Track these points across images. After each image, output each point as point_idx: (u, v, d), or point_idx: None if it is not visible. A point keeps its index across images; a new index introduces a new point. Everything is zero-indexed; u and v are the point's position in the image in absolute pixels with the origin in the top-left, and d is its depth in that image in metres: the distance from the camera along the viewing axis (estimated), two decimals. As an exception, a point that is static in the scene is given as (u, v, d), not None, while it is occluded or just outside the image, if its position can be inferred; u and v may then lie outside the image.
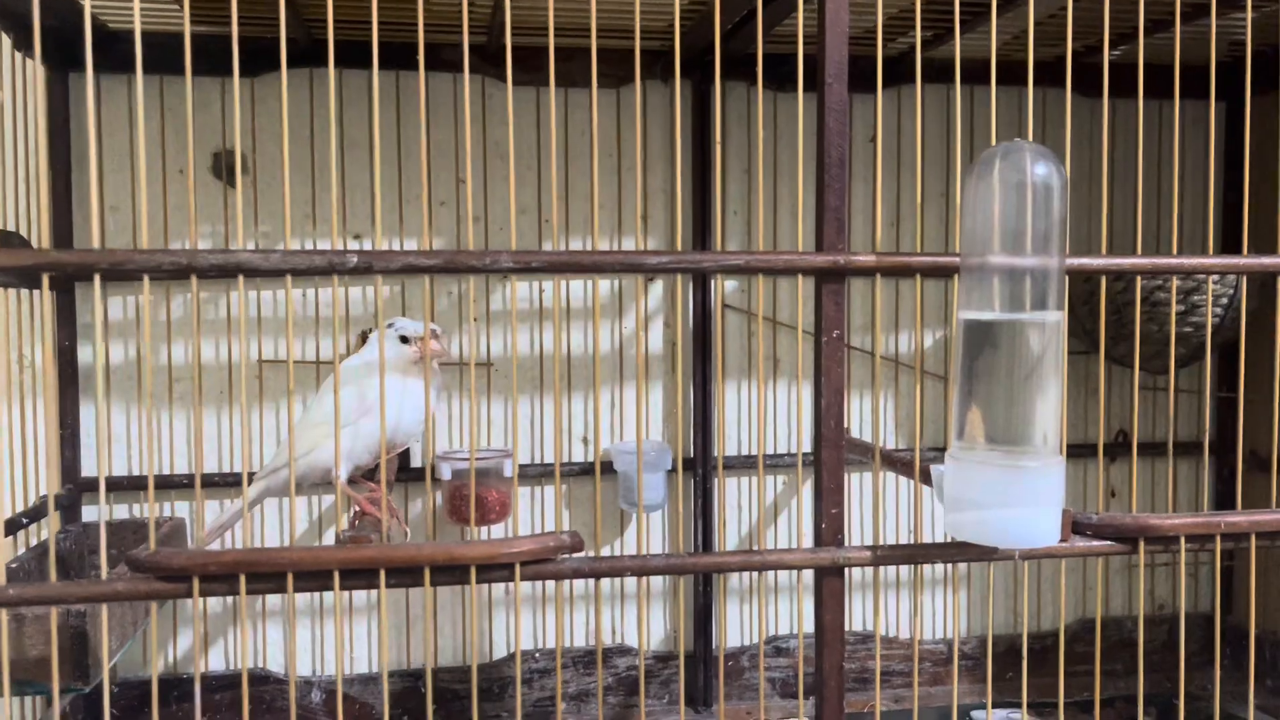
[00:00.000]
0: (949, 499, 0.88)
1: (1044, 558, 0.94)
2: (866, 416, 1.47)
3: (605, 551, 1.43)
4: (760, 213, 0.93)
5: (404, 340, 1.06)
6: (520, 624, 1.41)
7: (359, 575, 0.83)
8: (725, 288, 1.42)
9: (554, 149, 0.86)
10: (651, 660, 1.44)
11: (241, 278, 0.83)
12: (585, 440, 1.41)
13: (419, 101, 1.35)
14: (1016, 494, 0.84)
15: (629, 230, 1.40)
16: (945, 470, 0.88)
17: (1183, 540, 0.95)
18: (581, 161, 1.38)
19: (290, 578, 0.82)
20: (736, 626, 1.46)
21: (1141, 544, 0.95)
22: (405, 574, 0.84)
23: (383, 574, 0.83)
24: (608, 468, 1.41)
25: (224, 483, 1.30)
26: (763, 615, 1.29)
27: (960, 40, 1.32)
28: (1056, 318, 0.85)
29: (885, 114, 1.46)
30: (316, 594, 1.35)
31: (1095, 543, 0.95)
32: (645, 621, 1.40)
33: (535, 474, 1.39)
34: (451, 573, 0.85)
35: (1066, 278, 0.95)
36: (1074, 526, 0.95)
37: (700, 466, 1.40)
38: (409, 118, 1.34)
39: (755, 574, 1.45)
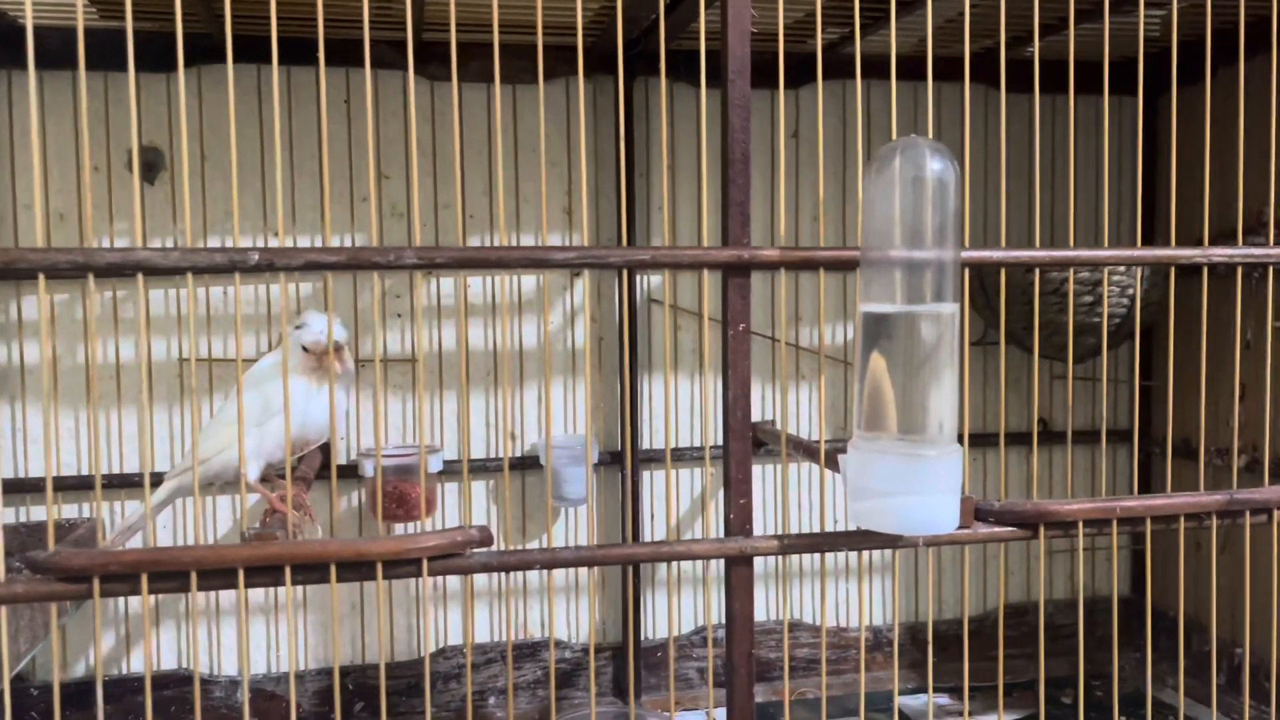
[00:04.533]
0: (852, 488, 0.89)
1: (947, 544, 0.96)
2: (792, 408, 1.49)
3: (534, 545, 1.43)
4: (666, 207, 0.94)
5: (304, 349, 1.04)
6: (431, 620, 1.41)
7: (264, 573, 0.83)
8: (651, 283, 1.44)
9: (457, 145, 0.86)
10: (581, 652, 1.44)
11: (141, 276, 0.83)
12: (513, 436, 1.42)
13: (340, 98, 1.35)
14: (915, 482, 0.86)
15: (556, 226, 1.40)
16: (848, 459, 0.89)
17: (1080, 525, 0.97)
18: (506, 158, 1.39)
19: (194, 576, 0.82)
20: (665, 618, 1.47)
21: (1042, 529, 0.97)
22: (311, 571, 0.84)
23: (288, 571, 0.83)
24: (537, 462, 1.42)
25: (139, 483, 1.29)
26: (672, 607, 1.30)
27: (885, 37, 1.34)
28: (952, 309, 0.87)
29: (815, 109, 1.47)
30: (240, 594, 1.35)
31: (997, 529, 0.97)
32: (553, 614, 1.41)
33: (461, 470, 1.39)
34: (358, 569, 0.85)
35: (967, 270, 0.97)
36: (976, 513, 0.97)
37: (628, 459, 1.41)
38: (330, 114, 1.34)
39: (679, 565, 1.47)
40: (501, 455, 1.42)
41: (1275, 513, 1.01)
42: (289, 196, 1.34)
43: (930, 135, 0.90)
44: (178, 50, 0.82)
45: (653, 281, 1.43)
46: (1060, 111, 1.52)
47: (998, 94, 1.50)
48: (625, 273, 1.39)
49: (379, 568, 0.85)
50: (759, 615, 1.50)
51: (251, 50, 1.27)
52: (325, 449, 1.34)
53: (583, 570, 1.45)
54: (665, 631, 1.48)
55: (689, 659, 1.48)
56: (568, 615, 1.45)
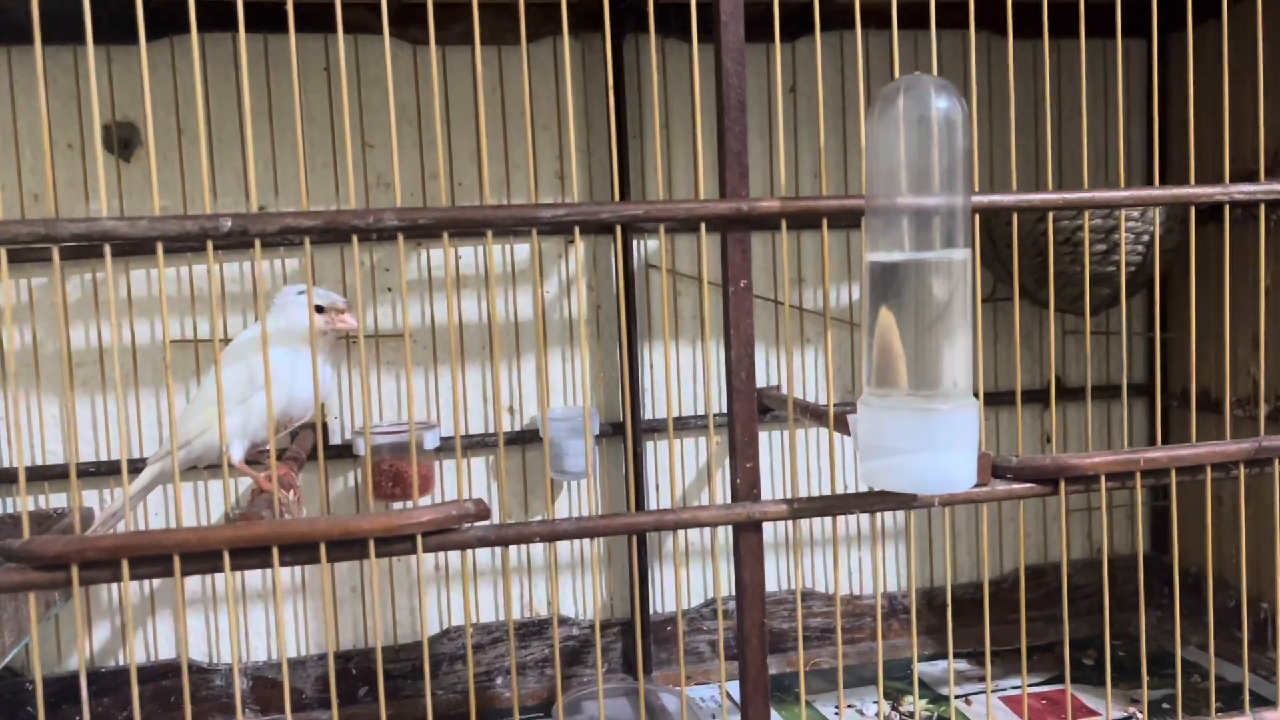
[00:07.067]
0: (862, 446, 0.85)
1: (964, 503, 0.92)
2: (798, 373, 1.45)
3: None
4: (659, 160, 0.90)
5: (319, 310, 1.01)
6: (432, 601, 1.38)
7: (251, 554, 0.80)
8: (648, 248, 1.39)
9: (437, 108, 0.82)
10: (590, 629, 1.41)
11: (108, 248, 0.79)
12: (511, 410, 1.38)
13: (319, 65, 1.30)
14: (929, 438, 0.82)
15: (549, 192, 1.36)
16: (858, 417, 0.85)
17: (1103, 479, 0.93)
18: (494, 123, 1.34)
19: (176, 560, 0.78)
20: (674, 591, 1.44)
21: (1062, 484, 0.93)
22: (300, 551, 0.80)
23: (275, 552, 0.80)
24: (537, 436, 1.38)
25: (130, 469, 1.25)
26: (678, 578, 1.27)
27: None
28: (964, 255, 0.83)
29: (812, 61, 1.42)
30: (238, 578, 1.32)
31: (1016, 485, 0.93)
32: (555, 590, 1.38)
33: (461, 446, 1.36)
34: (349, 547, 0.81)
35: (977, 218, 0.93)
36: (994, 470, 0.93)
37: (630, 431, 1.37)
38: (308, 82, 1.29)
39: (687, 537, 1.43)
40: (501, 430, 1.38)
41: (1306, 460, 0.97)
42: (270, 170, 1.29)
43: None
44: (138, 19, 0.78)
45: (650, 246, 1.39)
46: (1066, 56, 1.47)
47: (1000, 40, 1.45)
48: (621, 236, 1.35)
49: (371, 545, 0.81)
50: (770, 585, 1.46)
51: (228, 18, 1.23)
52: (321, 429, 1.30)
53: (589, 545, 1.41)
54: (673, 606, 1.44)
55: (700, 632, 1.44)
56: (574, 592, 1.42)
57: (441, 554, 1.37)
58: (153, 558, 0.78)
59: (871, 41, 1.43)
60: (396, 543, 0.82)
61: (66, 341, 1.25)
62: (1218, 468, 0.96)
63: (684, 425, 1.42)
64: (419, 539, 0.82)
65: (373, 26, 1.29)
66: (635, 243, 1.37)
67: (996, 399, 1.48)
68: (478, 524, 0.85)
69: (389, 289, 1.33)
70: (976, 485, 0.90)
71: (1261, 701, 1.31)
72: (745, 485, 0.90)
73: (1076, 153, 1.48)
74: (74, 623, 1.27)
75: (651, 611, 1.41)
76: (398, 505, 1.25)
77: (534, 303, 1.36)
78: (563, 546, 1.40)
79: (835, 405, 1.02)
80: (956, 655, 1.47)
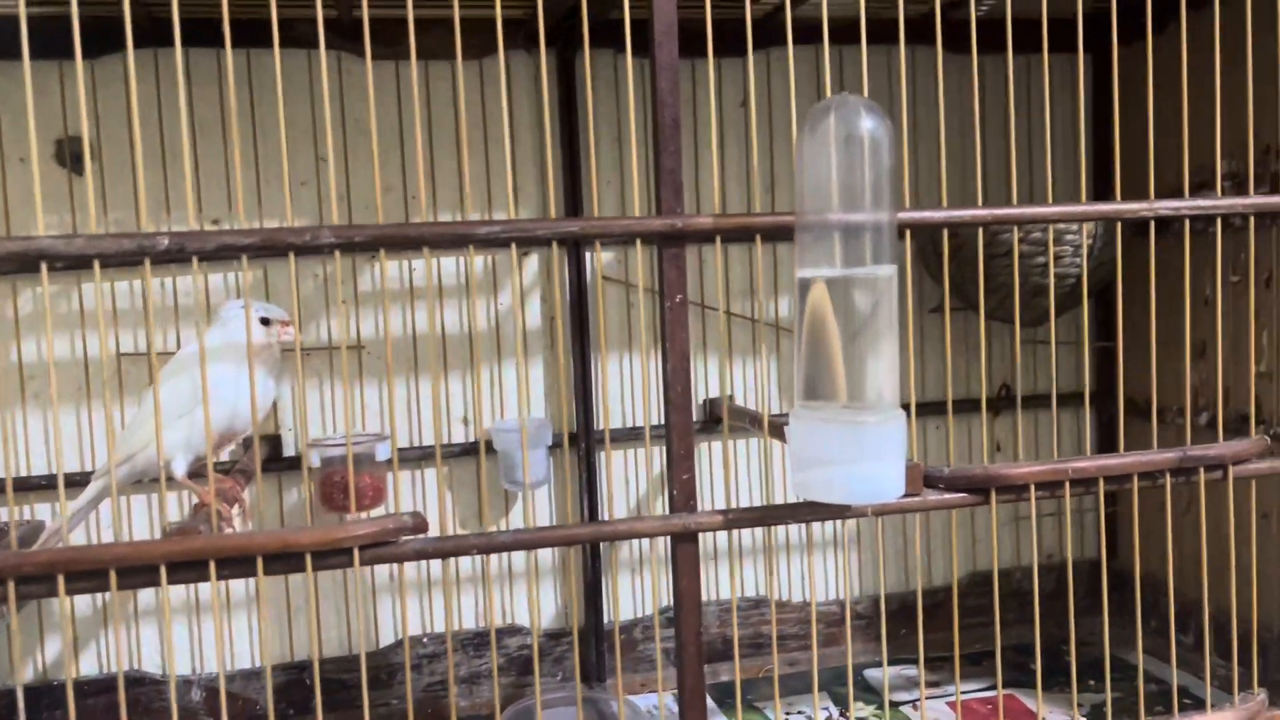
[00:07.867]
0: (794, 458, 0.87)
1: (897, 513, 0.94)
2: (750, 384, 1.47)
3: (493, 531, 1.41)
4: (594, 177, 0.92)
5: (265, 322, 1.02)
6: (386, 612, 1.39)
7: (188, 568, 0.81)
8: (604, 261, 1.41)
9: (374, 124, 0.83)
10: (543, 638, 1.42)
11: (44, 266, 0.80)
12: (465, 420, 1.39)
13: (271, 80, 1.31)
14: (856, 449, 0.84)
15: (500, 205, 1.37)
16: (789, 429, 0.87)
17: (1033, 488, 0.96)
18: (446, 136, 1.35)
19: (113, 575, 0.79)
20: (626, 601, 1.45)
21: (993, 494, 0.95)
22: (237, 565, 0.82)
23: (213, 566, 0.81)
24: (491, 447, 1.39)
25: (79, 483, 1.25)
26: (615, 589, 1.28)
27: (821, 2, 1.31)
28: (889, 272, 0.85)
29: (764, 76, 1.44)
30: (191, 590, 1.32)
31: (948, 495, 0.95)
32: (491, 600, 1.39)
33: (415, 457, 1.37)
34: (286, 561, 0.82)
35: (909, 233, 0.95)
36: (926, 480, 0.95)
37: (583, 441, 1.39)
38: (263, 96, 1.30)
39: (641, 548, 1.45)
40: (454, 441, 1.39)
41: (1230, 468, 0.99)
42: (224, 185, 1.30)
43: (890, 96, 0.88)
44: (74, 35, 0.79)
45: (606, 259, 1.41)
46: (1019, 73, 1.49)
47: (961, 57, 1.47)
48: (570, 250, 1.36)
49: (308, 559, 0.82)
50: (724, 594, 1.48)
51: (188, 34, 1.24)
52: (274, 441, 1.31)
53: (544, 556, 1.43)
54: (627, 614, 1.46)
55: (652, 640, 1.46)
56: (528, 601, 1.43)
57: (397, 565, 1.38)
58: (90, 572, 0.79)
59: (819, 58, 1.45)
60: (333, 556, 0.83)
61: (19, 355, 1.26)
62: (1145, 476, 0.98)
63: (637, 435, 1.43)
64: (356, 552, 0.84)
65: (330, 43, 1.30)
66: (588, 255, 1.39)
67: (955, 408, 1.50)
68: (415, 537, 0.86)
69: (344, 302, 1.34)
70: (908, 495, 0.92)
71: (1202, 706, 1.33)
72: (682, 497, 0.91)
73: (1024, 167, 1.51)
74: (23, 637, 1.27)
75: (605, 620, 1.43)
76: (350, 517, 1.26)
77: (469, 316, 1.37)
78: (518, 556, 1.41)
79: (777, 416, 1.04)
80: (910, 662, 1.49)
